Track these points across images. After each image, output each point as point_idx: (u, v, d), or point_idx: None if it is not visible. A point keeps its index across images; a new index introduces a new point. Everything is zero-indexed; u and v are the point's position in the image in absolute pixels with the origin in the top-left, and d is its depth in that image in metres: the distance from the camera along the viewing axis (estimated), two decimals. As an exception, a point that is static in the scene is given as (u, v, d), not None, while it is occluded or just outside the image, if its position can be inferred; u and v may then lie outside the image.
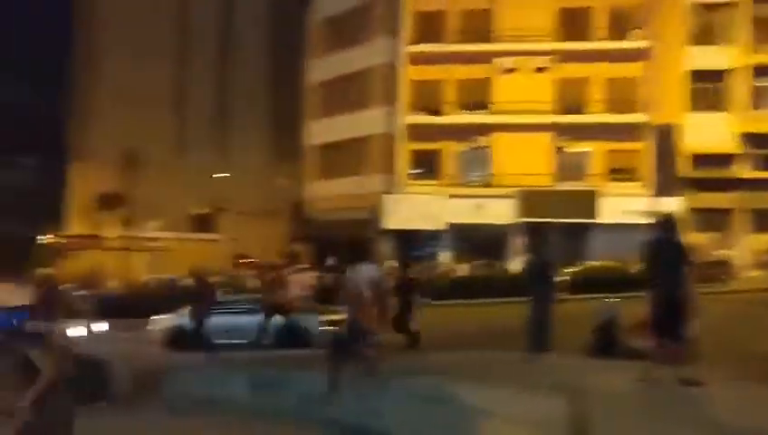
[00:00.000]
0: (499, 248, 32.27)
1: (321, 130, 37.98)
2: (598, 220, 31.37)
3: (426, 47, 33.48)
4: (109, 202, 49.50)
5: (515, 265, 31.43)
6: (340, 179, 36.36)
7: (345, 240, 32.51)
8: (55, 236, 52.78)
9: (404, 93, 33.69)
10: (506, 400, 6.71)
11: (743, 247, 30.42)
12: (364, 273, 11.68)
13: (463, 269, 30.80)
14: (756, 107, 32.13)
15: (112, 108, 52.48)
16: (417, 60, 33.65)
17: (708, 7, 32.20)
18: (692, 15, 32.54)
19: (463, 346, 13.00)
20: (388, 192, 33.25)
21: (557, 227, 30.39)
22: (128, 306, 27.05)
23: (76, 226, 53.20)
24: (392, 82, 33.82)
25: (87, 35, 56.02)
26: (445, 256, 32.69)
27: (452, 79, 33.77)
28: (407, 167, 33.90)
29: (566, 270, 26.29)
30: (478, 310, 22.83)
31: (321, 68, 38.04)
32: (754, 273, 28.81)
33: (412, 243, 32.90)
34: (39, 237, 51.80)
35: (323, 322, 14.95)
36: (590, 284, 23.23)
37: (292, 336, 14.61)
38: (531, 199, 31.82)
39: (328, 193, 36.61)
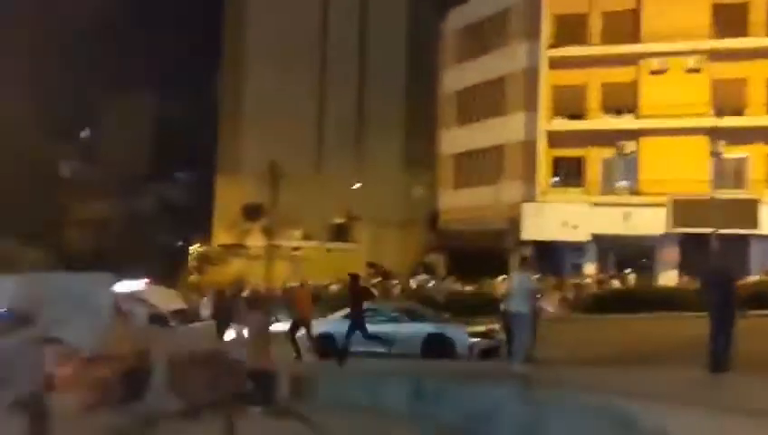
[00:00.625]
0: (648, 260, 30.51)
1: (457, 139, 37.60)
2: (759, 231, 28.92)
3: (567, 50, 32.30)
4: (252, 213, 51.54)
5: (666, 277, 29.70)
6: (477, 188, 35.78)
7: (481, 251, 31.98)
8: (204, 245, 55.66)
9: (545, 99, 32.63)
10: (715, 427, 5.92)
11: None
12: (519, 283, 11.28)
13: (609, 282, 29.33)
14: None
15: (256, 122, 54.79)
16: (559, 64, 32.53)
17: None
18: None
19: (622, 362, 12.10)
20: (527, 201, 32.27)
21: (714, 237, 28.36)
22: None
23: (223, 236, 55.82)
24: (532, 88, 32.88)
25: (232, 53, 58.91)
26: (589, 269, 31.29)
27: (595, 82, 32.38)
28: (547, 175, 32.81)
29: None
30: (628, 324, 21.59)
31: (458, 76, 37.72)
32: None
33: (553, 254, 31.76)
34: (190, 247, 54.83)
35: (470, 333, 14.55)
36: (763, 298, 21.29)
37: (439, 346, 14.27)
38: (685, 208, 29.77)
39: (464, 202, 36.13)
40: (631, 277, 28.97)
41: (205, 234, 57.36)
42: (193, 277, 48.60)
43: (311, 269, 41.83)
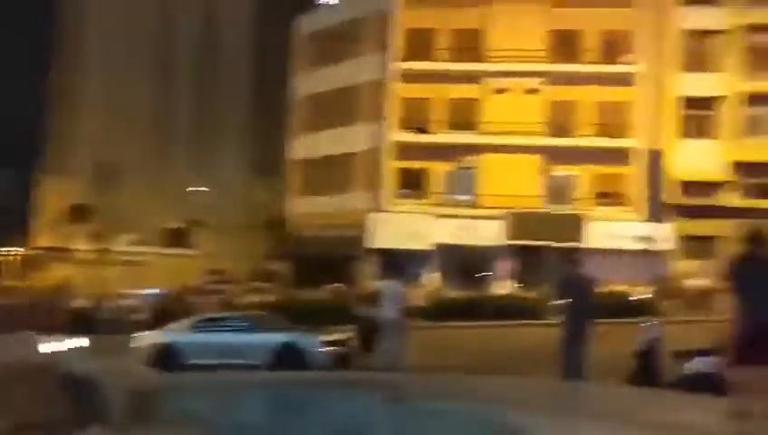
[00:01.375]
0: (486, 270, 31.65)
1: (305, 146, 37.15)
2: (585, 244, 30.86)
3: (416, 65, 32.97)
4: (79, 215, 48.03)
5: (502, 287, 30.91)
6: (324, 196, 35.51)
7: (327, 259, 31.75)
8: (24, 248, 51.10)
9: (392, 110, 33.05)
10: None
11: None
12: (389, 290, 11.06)
13: (449, 291, 30.07)
14: (747, 135, 32.09)
15: (88, 122, 51.23)
16: (407, 77, 33.10)
17: (700, 34, 32.14)
18: (684, 42, 32.54)
19: (474, 370, 12.13)
20: (373, 210, 32.45)
21: (546, 250, 30.02)
22: (99, 321, 26.00)
23: (46, 238, 51.56)
24: (380, 99, 33.20)
25: (65, 50, 54.69)
26: (431, 277, 31.92)
27: (441, 97, 33.25)
28: (393, 185, 33.17)
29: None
30: (470, 332, 22.06)
31: (308, 83, 37.32)
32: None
33: (397, 263, 32.11)
34: (7, 250, 50.11)
35: (323, 342, 14.09)
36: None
37: (292, 356, 13.68)
38: (520, 222, 31.26)
39: (311, 210, 35.71)
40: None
41: (23, 236, 52.66)
42: (9, 281, 44.24)
43: (146, 275, 39.53)
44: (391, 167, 32.97)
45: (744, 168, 31.77)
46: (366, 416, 7.24)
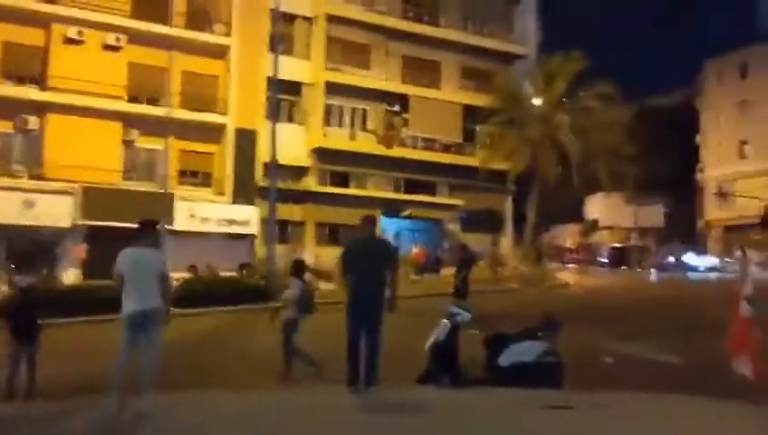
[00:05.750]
0: (52, 256, 26.22)
1: None
2: (173, 226, 28.00)
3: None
4: None
5: (72, 276, 26.01)
6: None
7: None
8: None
9: None
10: None
11: (312, 259, 30.62)
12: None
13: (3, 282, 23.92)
14: (327, 124, 33.15)
15: None
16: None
17: (288, 18, 31.79)
18: (271, 23, 31.89)
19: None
20: None
21: (124, 231, 26.06)
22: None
23: None
24: None
25: None
26: None
27: (-5, 40, 26.43)
28: None
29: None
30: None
31: None
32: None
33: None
34: None
35: None
36: (200, 296, 19.91)
37: None
38: (96, 199, 26.66)
39: None
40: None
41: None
42: None
43: None
44: None
45: (322, 154, 32.78)
46: None
